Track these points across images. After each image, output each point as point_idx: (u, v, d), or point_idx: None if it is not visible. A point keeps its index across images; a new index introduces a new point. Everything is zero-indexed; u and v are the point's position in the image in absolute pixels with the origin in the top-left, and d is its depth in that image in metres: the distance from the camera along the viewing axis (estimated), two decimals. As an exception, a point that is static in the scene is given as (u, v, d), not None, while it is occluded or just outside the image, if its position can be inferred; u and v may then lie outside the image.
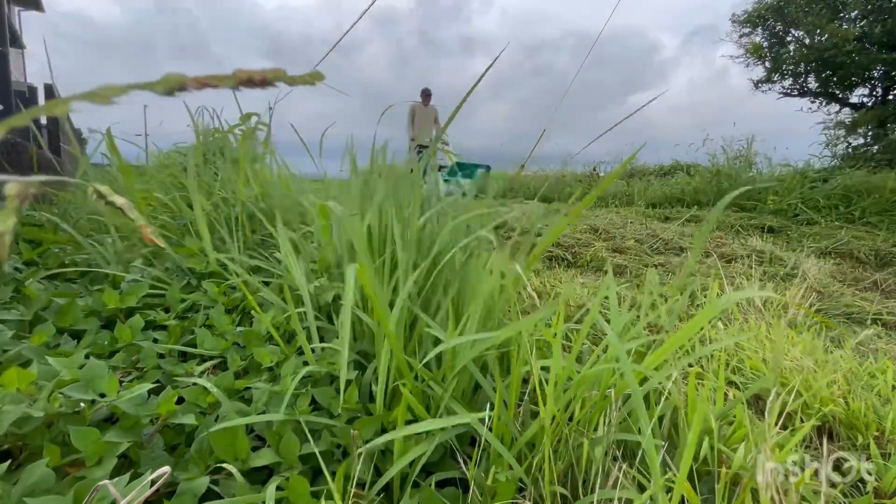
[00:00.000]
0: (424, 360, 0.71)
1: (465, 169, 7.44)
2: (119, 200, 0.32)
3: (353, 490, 0.57)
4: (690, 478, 0.65)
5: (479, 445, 0.67)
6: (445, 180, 7.22)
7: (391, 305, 0.76)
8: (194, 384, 0.71)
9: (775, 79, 9.58)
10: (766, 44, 9.53)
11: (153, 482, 0.47)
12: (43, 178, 0.25)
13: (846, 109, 9.15)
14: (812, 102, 9.58)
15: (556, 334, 0.65)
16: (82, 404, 0.60)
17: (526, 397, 0.79)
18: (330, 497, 0.57)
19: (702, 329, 1.25)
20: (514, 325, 0.63)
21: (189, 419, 0.63)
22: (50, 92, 4.09)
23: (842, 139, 8.33)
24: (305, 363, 0.80)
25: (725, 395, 0.93)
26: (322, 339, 0.94)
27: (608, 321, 0.86)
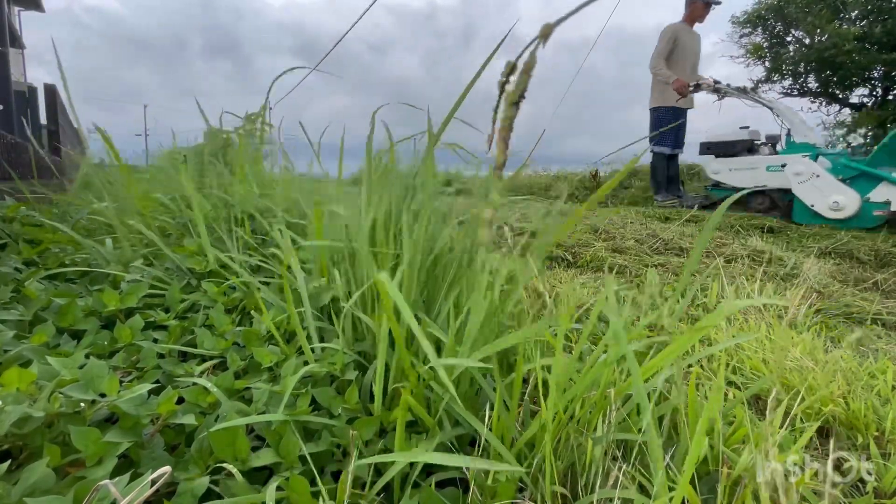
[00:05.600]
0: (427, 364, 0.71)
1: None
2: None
3: (352, 490, 0.57)
4: (690, 478, 0.65)
5: (479, 445, 0.67)
6: (816, 156, 3.59)
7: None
8: (194, 384, 0.71)
9: (775, 79, 9.59)
10: (766, 44, 9.54)
11: (153, 482, 0.47)
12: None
13: (846, 110, 9.15)
14: (812, 102, 9.60)
15: (556, 334, 0.65)
16: (82, 404, 0.60)
17: (526, 397, 0.79)
18: (331, 497, 0.58)
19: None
20: (516, 333, 0.63)
21: (189, 419, 0.63)
22: (51, 92, 4.09)
23: (842, 139, 8.34)
24: (306, 363, 0.80)
25: (725, 395, 0.93)
26: (322, 339, 0.94)
27: (606, 322, 0.86)
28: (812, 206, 3.53)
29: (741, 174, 4.17)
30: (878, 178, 3.30)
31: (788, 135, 4.04)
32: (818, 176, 3.51)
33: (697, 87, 4.26)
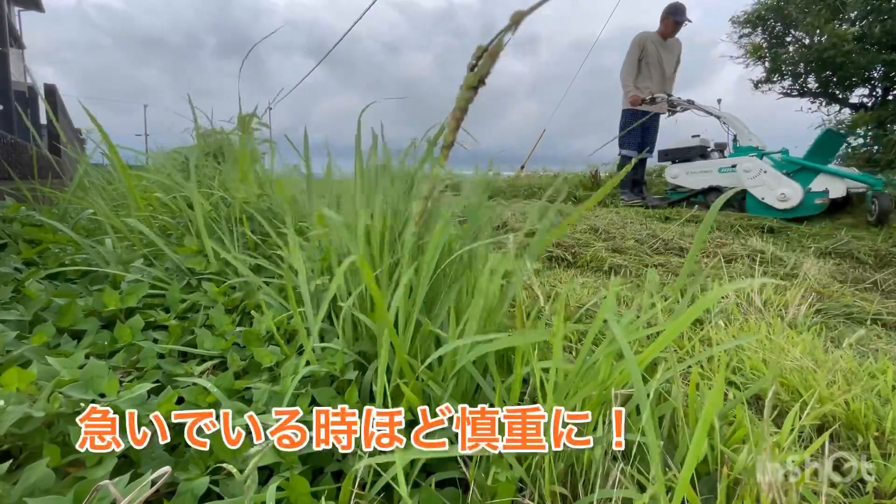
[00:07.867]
0: (426, 363, 0.71)
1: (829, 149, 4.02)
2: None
3: (353, 490, 0.57)
4: (690, 478, 0.65)
5: (479, 445, 0.67)
6: (761, 156, 4.03)
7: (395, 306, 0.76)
8: (194, 384, 0.71)
9: (775, 79, 9.58)
10: (765, 44, 9.52)
11: (153, 482, 0.47)
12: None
13: (846, 110, 9.15)
14: (812, 102, 9.59)
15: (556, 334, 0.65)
16: (82, 404, 0.60)
17: (526, 397, 0.79)
18: (331, 497, 0.58)
19: (703, 329, 1.25)
20: (517, 335, 0.63)
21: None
22: (50, 92, 4.09)
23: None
24: (307, 363, 0.80)
25: (725, 394, 0.93)
26: (322, 339, 0.94)
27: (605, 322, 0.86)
28: (763, 199, 3.96)
29: (697, 177, 4.61)
30: (816, 170, 3.81)
31: (734, 141, 4.54)
32: (765, 172, 3.95)
33: (653, 101, 4.62)
